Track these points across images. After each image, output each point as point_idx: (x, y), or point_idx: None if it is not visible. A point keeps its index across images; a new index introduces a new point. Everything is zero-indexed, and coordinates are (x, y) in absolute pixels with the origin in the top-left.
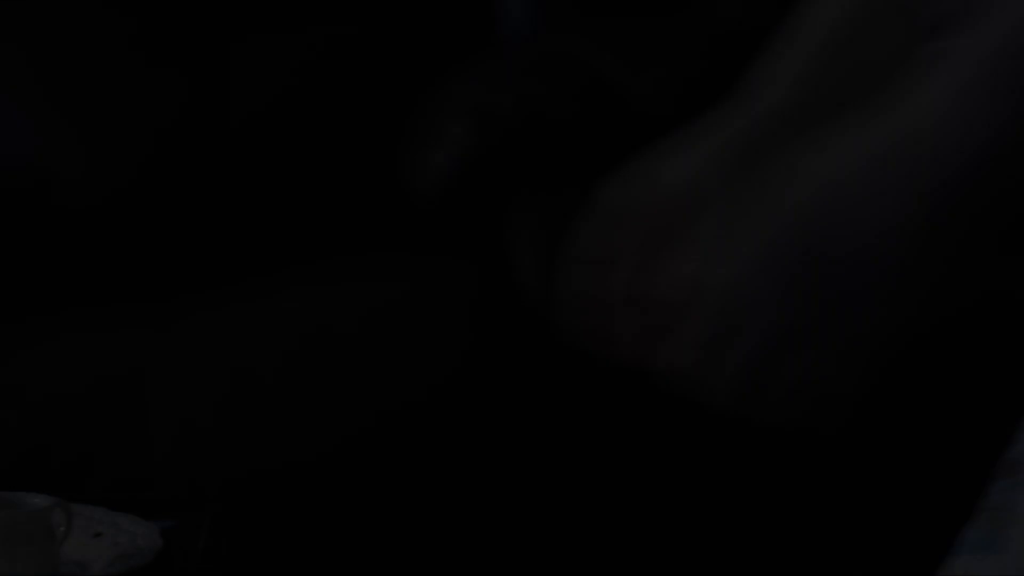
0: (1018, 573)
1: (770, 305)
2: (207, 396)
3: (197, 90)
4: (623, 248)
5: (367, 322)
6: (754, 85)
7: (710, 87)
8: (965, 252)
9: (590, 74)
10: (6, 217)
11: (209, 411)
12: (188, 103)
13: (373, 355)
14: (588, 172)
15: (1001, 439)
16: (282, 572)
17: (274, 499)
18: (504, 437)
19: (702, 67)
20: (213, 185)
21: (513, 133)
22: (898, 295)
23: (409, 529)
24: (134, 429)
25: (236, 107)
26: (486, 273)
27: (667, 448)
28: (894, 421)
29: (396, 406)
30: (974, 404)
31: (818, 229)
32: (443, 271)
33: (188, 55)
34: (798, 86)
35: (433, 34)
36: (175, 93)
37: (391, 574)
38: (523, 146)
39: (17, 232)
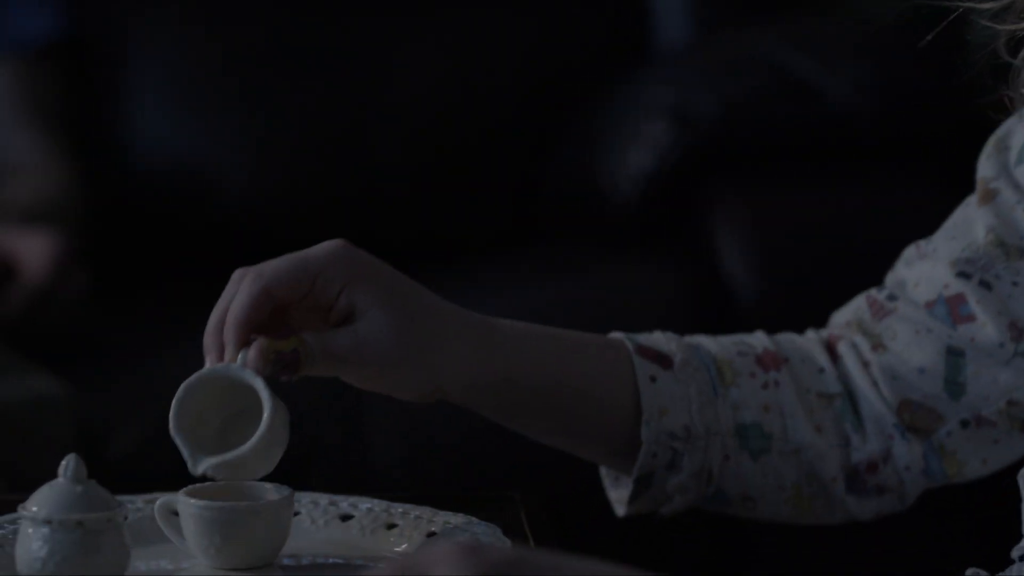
0: None
1: None
2: None
3: (346, 88)
4: None
5: (578, 318)
6: None
7: (912, 87)
8: None
9: (786, 74)
10: (177, 212)
11: (422, 410)
12: (337, 104)
13: None
14: (787, 170)
15: None
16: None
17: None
18: None
19: (902, 67)
20: (382, 181)
21: (713, 133)
22: None
23: None
24: (350, 428)
25: (395, 101)
26: (690, 266)
27: None
28: None
29: None
30: None
31: None
32: (650, 265)
33: (335, 54)
34: None
35: (592, 34)
36: (324, 96)
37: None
38: (722, 145)
39: (186, 227)
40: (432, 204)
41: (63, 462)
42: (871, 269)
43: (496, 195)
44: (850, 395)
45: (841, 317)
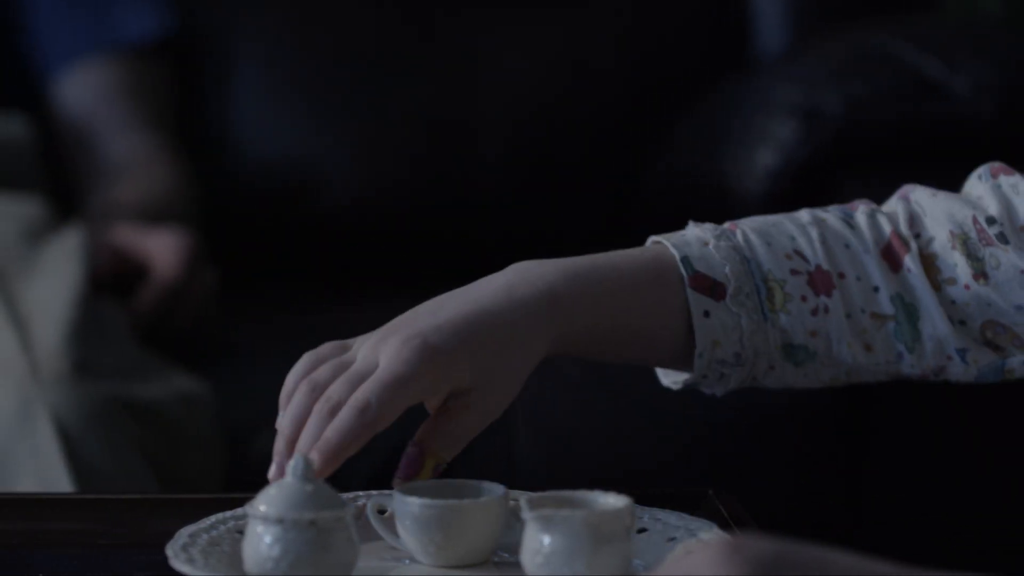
0: None
1: None
2: (567, 393)
3: (451, 88)
4: None
5: None
6: None
7: None
8: None
9: (910, 73)
10: (280, 212)
11: (568, 406)
12: (442, 103)
13: None
14: (913, 168)
15: None
16: None
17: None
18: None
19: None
20: (480, 181)
21: (840, 133)
22: None
23: None
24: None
25: (496, 101)
26: None
27: None
28: None
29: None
30: None
31: None
32: None
33: (440, 53)
34: None
35: (696, 34)
36: (429, 95)
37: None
38: (849, 144)
39: (289, 226)
40: (541, 205)
41: (291, 462)
42: None
43: (607, 197)
44: (909, 314)
45: (940, 223)
